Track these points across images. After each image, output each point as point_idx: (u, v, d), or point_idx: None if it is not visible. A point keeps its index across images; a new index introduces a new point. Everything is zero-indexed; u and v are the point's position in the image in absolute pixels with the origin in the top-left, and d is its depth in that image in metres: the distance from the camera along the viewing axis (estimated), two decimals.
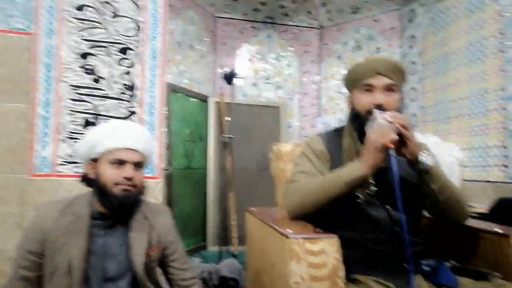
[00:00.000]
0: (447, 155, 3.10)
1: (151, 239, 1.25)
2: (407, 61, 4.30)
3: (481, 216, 2.48)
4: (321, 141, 1.36)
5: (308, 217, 1.24)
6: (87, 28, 1.98)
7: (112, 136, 1.18)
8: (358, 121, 1.27)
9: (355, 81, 1.30)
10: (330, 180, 1.20)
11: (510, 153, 2.98)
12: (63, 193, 1.83)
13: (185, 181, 3.97)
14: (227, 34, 4.75)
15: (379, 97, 1.23)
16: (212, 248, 4.08)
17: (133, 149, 1.19)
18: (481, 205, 2.57)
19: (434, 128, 3.87)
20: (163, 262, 1.32)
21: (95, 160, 1.19)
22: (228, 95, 4.11)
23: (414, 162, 1.15)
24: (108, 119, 1.96)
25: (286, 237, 1.04)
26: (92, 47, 1.98)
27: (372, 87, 1.24)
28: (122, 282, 1.18)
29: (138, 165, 1.20)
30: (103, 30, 2.00)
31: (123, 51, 2.02)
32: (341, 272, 1.03)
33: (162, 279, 1.34)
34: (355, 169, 1.16)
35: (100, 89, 1.98)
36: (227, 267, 2.65)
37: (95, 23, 1.99)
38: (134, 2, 2.04)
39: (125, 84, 2.01)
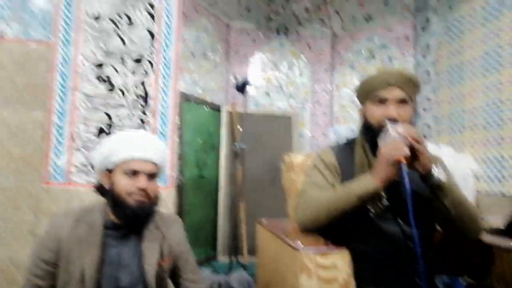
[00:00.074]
0: (461, 167, 3.04)
1: (163, 249, 1.25)
2: (421, 70, 4.25)
3: (497, 231, 2.42)
4: (332, 153, 1.36)
5: (320, 229, 1.23)
6: (103, 37, 2.01)
7: (127, 146, 1.19)
8: (371, 133, 1.26)
9: (367, 93, 1.30)
10: (342, 193, 1.19)
11: None
12: (77, 202, 1.84)
13: (197, 191, 3.96)
14: (240, 43, 4.77)
15: (392, 109, 1.22)
16: (222, 257, 4.06)
17: (148, 160, 1.19)
18: (496, 219, 2.51)
19: (448, 138, 3.81)
20: (175, 274, 1.31)
21: (110, 171, 1.20)
22: (241, 105, 4.11)
23: (426, 176, 1.14)
24: (121, 128, 1.98)
25: (297, 250, 1.04)
26: (107, 56, 2.01)
27: (384, 99, 1.24)
28: None
29: (152, 175, 1.21)
30: (118, 40, 2.03)
31: (138, 60, 2.04)
32: (352, 287, 1.03)
33: None
34: (367, 182, 1.15)
35: (114, 98, 2.01)
36: (237, 279, 2.65)
37: (111, 33, 2.02)
38: (148, 11, 2.07)
39: (138, 94, 2.04)
